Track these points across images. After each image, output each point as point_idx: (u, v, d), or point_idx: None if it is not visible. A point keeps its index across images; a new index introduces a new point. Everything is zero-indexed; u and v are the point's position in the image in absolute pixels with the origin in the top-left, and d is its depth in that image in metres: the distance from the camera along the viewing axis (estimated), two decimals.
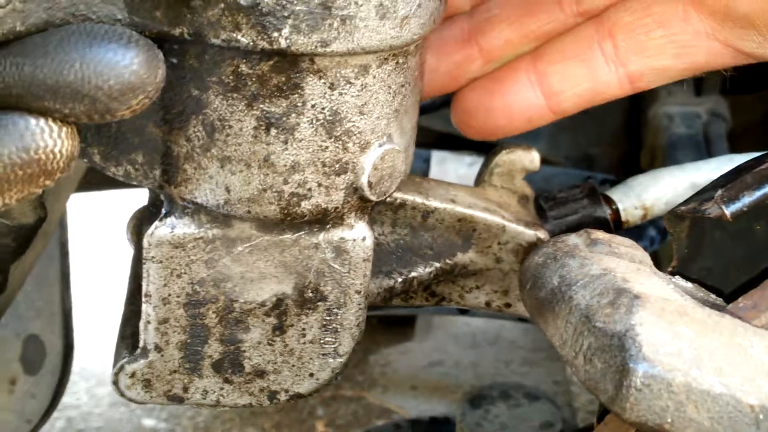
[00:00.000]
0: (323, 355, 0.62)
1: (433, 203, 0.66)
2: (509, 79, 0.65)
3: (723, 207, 0.55)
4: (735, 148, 1.21)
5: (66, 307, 0.94)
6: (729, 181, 0.56)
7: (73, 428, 1.79)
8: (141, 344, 0.60)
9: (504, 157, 0.69)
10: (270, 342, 0.61)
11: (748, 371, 0.48)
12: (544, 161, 1.35)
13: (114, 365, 0.61)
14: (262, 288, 0.60)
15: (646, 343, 0.47)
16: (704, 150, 1.22)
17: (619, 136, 1.35)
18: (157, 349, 0.60)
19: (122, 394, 0.61)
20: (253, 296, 0.60)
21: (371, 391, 1.30)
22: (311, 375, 0.62)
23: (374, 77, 0.54)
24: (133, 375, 0.60)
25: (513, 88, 0.65)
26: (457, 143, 1.20)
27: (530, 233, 0.67)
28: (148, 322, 0.60)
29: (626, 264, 0.55)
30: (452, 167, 1.16)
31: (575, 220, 0.71)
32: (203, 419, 1.87)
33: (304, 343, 0.61)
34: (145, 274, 0.59)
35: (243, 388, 0.62)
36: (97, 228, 3.14)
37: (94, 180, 1.35)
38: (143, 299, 0.59)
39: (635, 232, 0.96)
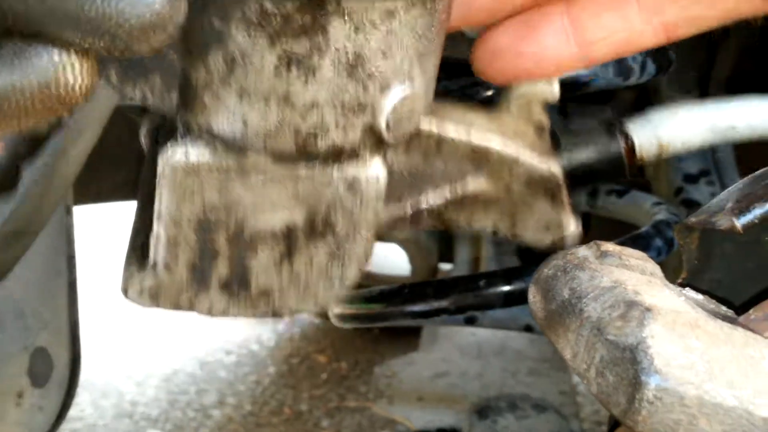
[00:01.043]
0: (329, 280, 0.63)
1: (450, 133, 0.65)
2: (542, 25, 0.65)
3: (734, 219, 0.55)
4: (740, 150, 1.21)
5: (73, 319, 0.94)
6: (739, 194, 0.56)
7: None
8: (151, 260, 0.61)
9: (524, 87, 0.68)
10: (277, 267, 0.62)
11: (760, 384, 0.48)
12: None
13: (124, 273, 0.62)
14: (272, 217, 0.60)
15: (658, 355, 0.47)
16: (710, 159, 1.22)
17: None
18: (167, 267, 0.61)
19: (128, 297, 0.62)
20: (264, 224, 0.60)
21: (377, 402, 1.29)
22: (315, 297, 0.63)
23: (400, 22, 0.54)
24: (141, 287, 0.62)
25: (546, 33, 0.64)
26: None
27: (543, 167, 0.66)
28: (158, 241, 0.60)
29: (637, 276, 0.55)
30: None
31: (590, 156, 0.70)
32: (208, 430, 1.87)
33: (311, 270, 0.62)
34: (157, 195, 0.58)
35: (248, 303, 0.63)
36: (97, 239, 3.15)
37: (99, 192, 1.36)
38: (155, 218, 0.59)
39: (642, 243, 0.96)
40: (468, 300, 0.95)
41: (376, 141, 0.59)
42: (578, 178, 0.71)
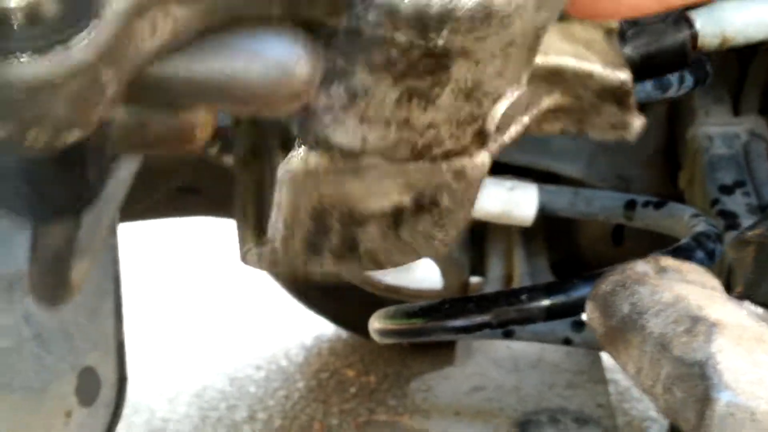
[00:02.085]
0: (430, 240, 0.67)
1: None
2: None
3: None
4: None
5: (119, 339, 0.95)
6: None
7: None
8: (269, 236, 0.65)
9: None
10: (384, 236, 0.66)
11: None
12: (581, 183, 1.35)
13: (240, 247, 0.68)
14: (383, 200, 0.64)
15: (728, 371, 0.47)
16: (745, 170, 1.22)
17: (657, 157, 1.35)
18: (284, 242, 0.65)
19: (249, 267, 0.68)
20: (374, 206, 0.64)
21: (414, 417, 1.29)
22: (416, 254, 0.68)
23: (518, 45, 0.56)
24: (259, 257, 0.67)
25: None
26: (497, 168, 1.20)
27: (614, 78, 0.67)
28: (277, 223, 0.64)
29: (699, 290, 0.55)
30: (493, 192, 1.16)
31: (654, 45, 0.71)
32: None
33: (415, 235, 0.66)
34: (277, 189, 0.62)
35: (356, 264, 0.67)
36: (130, 258, 3.16)
37: (136, 210, 1.37)
38: (274, 208, 0.63)
39: (683, 255, 0.96)
40: (510, 314, 0.95)
41: (484, 139, 0.62)
42: (642, 69, 0.72)
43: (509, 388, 1.29)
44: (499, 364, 1.35)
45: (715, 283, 0.58)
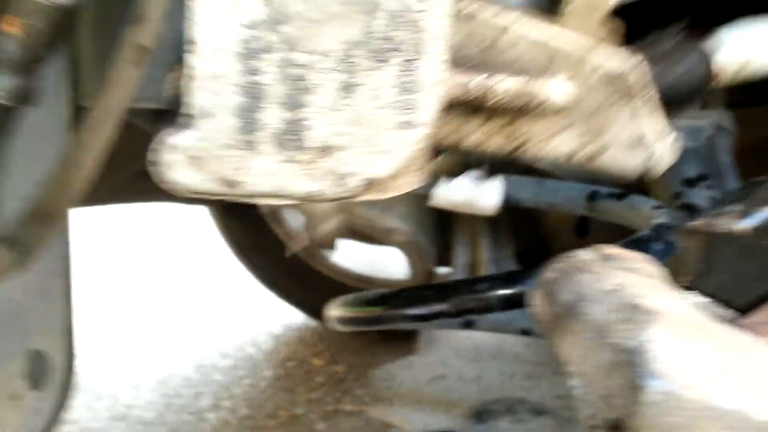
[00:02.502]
0: (400, 124, 0.53)
1: (510, 18, 0.61)
2: None
3: (738, 222, 0.55)
4: (741, 163, 1.20)
5: (68, 322, 0.94)
6: (743, 197, 0.56)
7: None
8: (187, 110, 0.52)
9: None
10: (337, 106, 0.53)
11: (761, 387, 0.48)
12: (548, 175, 1.35)
13: (154, 146, 0.53)
14: (326, 33, 0.52)
15: (660, 358, 0.47)
16: (709, 163, 1.22)
17: None
18: (206, 114, 0.52)
19: (164, 178, 0.52)
20: (317, 44, 0.52)
21: (375, 406, 1.29)
22: (386, 151, 0.54)
23: None
24: (176, 150, 0.52)
25: None
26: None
27: (618, 61, 0.62)
28: (194, 78, 0.52)
29: (640, 279, 0.55)
30: (458, 181, 1.16)
31: (673, 75, 0.68)
32: None
33: (377, 108, 0.53)
34: (189, 14, 0.52)
35: (307, 168, 0.53)
36: (93, 241, 3.14)
37: (96, 195, 1.35)
38: (186, 48, 0.52)
39: (641, 246, 0.96)
40: (468, 303, 0.95)
41: None
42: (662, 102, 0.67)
43: (470, 377, 1.30)
44: (460, 355, 1.36)
45: (658, 271, 0.58)
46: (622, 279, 0.55)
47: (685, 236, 0.59)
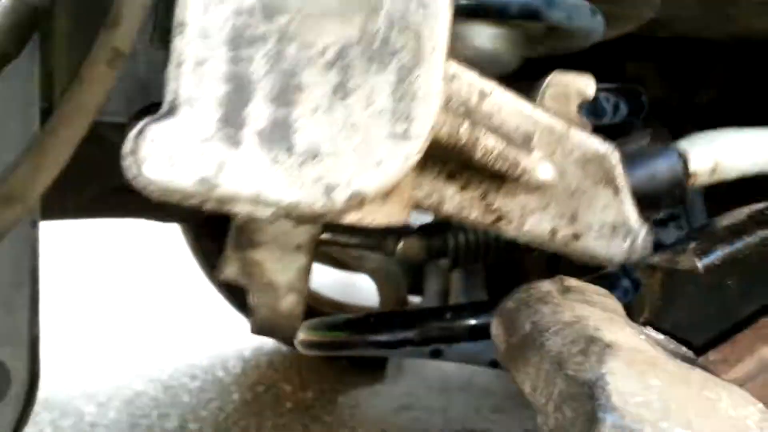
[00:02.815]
0: (393, 135, 0.51)
1: (492, 85, 0.60)
2: None
3: (696, 260, 0.56)
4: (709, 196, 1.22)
5: (33, 334, 0.93)
6: (703, 235, 0.57)
7: None
8: (168, 97, 0.49)
9: (556, 78, 0.65)
10: (329, 109, 0.50)
11: (716, 425, 0.48)
12: None
13: (131, 137, 0.49)
14: (323, 29, 0.50)
15: (616, 392, 0.47)
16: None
17: None
18: (189, 103, 0.49)
19: (138, 172, 0.48)
20: (312, 39, 0.50)
21: None
22: (378, 164, 0.51)
23: None
24: (155, 141, 0.48)
25: None
26: None
27: (600, 145, 0.63)
28: (180, 64, 0.49)
29: (599, 313, 0.55)
30: None
31: (649, 178, 0.67)
32: None
33: (371, 114, 0.51)
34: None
35: (293, 174, 0.50)
36: (65, 256, 3.12)
37: (65, 208, 1.34)
38: (174, 30, 0.49)
39: (608, 283, 0.97)
40: (433, 332, 0.95)
41: None
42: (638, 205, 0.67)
43: (437, 408, 1.29)
44: (428, 385, 1.35)
45: (617, 306, 0.58)
46: (581, 311, 0.55)
47: (646, 273, 0.60)
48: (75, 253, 3.19)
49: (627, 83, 0.99)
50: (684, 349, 0.57)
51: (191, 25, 0.49)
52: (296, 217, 0.51)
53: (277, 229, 0.56)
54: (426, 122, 0.51)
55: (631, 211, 0.65)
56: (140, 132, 0.49)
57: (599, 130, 1.11)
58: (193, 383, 2.23)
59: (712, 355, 0.54)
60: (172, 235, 2.26)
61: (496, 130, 0.61)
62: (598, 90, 0.93)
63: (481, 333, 0.95)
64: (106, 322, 2.61)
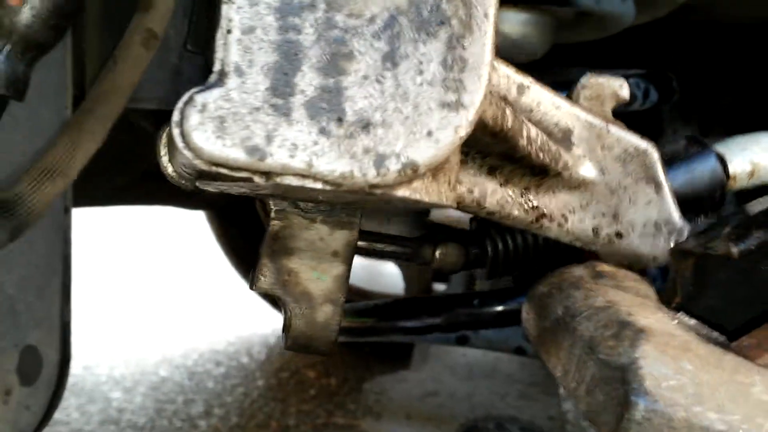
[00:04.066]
0: (444, 105, 0.50)
1: (529, 80, 0.61)
2: None
3: (731, 245, 0.55)
4: None
5: (65, 319, 0.94)
6: (738, 219, 0.57)
7: None
8: (216, 67, 0.49)
9: (591, 80, 0.65)
10: (379, 78, 0.50)
11: (749, 409, 0.48)
12: None
13: (180, 107, 0.48)
14: None
15: (649, 377, 0.47)
16: None
17: None
18: (238, 71, 0.48)
19: (186, 142, 0.47)
20: (361, 7, 0.50)
21: (365, 419, 1.29)
22: (429, 134, 0.50)
23: None
24: (204, 109, 0.47)
25: None
26: None
27: (640, 141, 0.63)
28: (229, 31, 0.48)
29: (631, 297, 0.55)
30: None
31: (691, 182, 0.67)
32: None
33: (421, 83, 0.50)
34: None
35: (343, 145, 0.49)
36: (97, 243, 3.14)
37: (97, 196, 1.36)
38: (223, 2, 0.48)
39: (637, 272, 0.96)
40: (460, 318, 0.95)
41: None
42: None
43: (462, 395, 1.29)
44: (453, 371, 1.36)
45: (649, 291, 0.58)
46: (614, 296, 0.55)
47: (677, 258, 0.59)
48: (102, 241, 3.21)
49: (657, 69, 0.99)
50: (716, 334, 0.57)
51: None
52: (347, 189, 0.49)
53: (314, 235, 0.56)
54: (477, 92, 0.50)
55: (673, 209, 0.64)
56: (188, 101, 0.48)
57: (630, 116, 1.11)
58: (217, 369, 2.25)
59: (746, 340, 0.54)
60: (197, 223, 2.27)
61: (536, 125, 0.61)
62: (628, 76, 0.93)
63: (509, 319, 0.95)
64: (131, 309, 2.64)
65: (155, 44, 0.64)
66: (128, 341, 2.39)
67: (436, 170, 0.52)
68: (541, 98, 0.61)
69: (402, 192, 0.50)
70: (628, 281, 0.58)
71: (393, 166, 0.49)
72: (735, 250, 0.55)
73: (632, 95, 0.97)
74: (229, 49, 0.48)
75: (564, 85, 1.01)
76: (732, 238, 0.56)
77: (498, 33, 0.73)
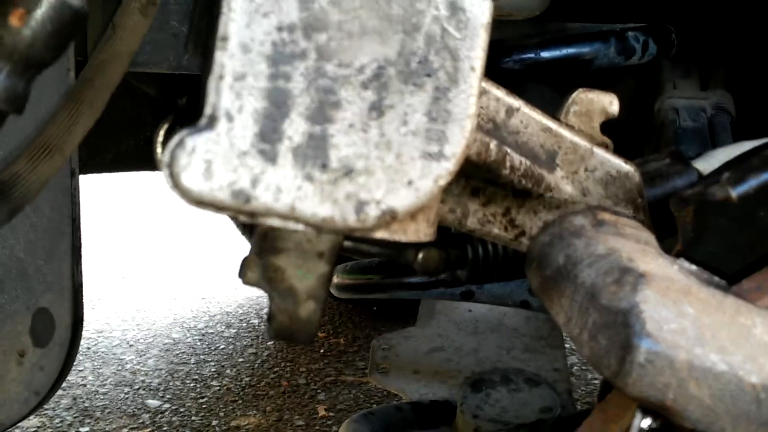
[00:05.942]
0: (426, 154, 0.52)
1: (519, 102, 0.62)
2: None
3: (729, 189, 0.56)
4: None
5: (76, 281, 0.95)
6: (736, 164, 0.57)
7: (78, 407, 1.80)
8: (207, 111, 0.50)
9: (581, 95, 0.66)
10: (364, 127, 0.51)
11: (750, 350, 0.49)
12: None
13: (168, 148, 0.50)
14: (361, 48, 0.51)
15: (650, 320, 0.48)
16: (709, 143, 1.23)
17: (622, 127, 1.35)
18: (228, 117, 0.49)
19: (175, 183, 0.50)
20: (351, 57, 0.51)
21: (372, 375, 1.31)
22: (409, 183, 0.51)
23: None
24: (193, 152, 0.49)
25: None
26: None
27: (623, 164, 0.64)
28: (221, 77, 0.50)
29: (632, 244, 0.56)
30: None
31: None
32: (206, 400, 1.88)
33: (405, 134, 0.51)
34: (224, 9, 0.50)
35: (326, 190, 0.51)
36: (108, 207, 3.16)
37: (103, 162, 1.36)
38: (217, 44, 0.50)
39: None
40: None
41: None
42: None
43: (468, 350, 1.31)
44: (459, 327, 1.37)
45: (650, 238, 0.59)
46: (615, 243, 0.55)
47: (677, 204, 0.60)
48: (113, 206, 3.22)
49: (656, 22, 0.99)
50: (717, 278, 0.58)
51: (233, 40, 0.50)
52: (327, 232, 0.52)
53: (301, 237, 0.57)
54: (459, 143, 0.52)
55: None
56: (179, 143, 0.49)
57: (628, 69, 1.10)
58: (228, 331, 2.27)
59: (746, 284, 0.54)
60: None
61: (521, 147, 0.62)
62: (627, 29, 0.93)
63: (512, 272, 0.96)
64: (141, 272, 2.66)
65: (153, 11, 0.64)
66: (140, 305, 2.41)
67: (415, 212, 0.54)
68: (528, 121, 0.62)
69: (380, 234, 0.53)
70: (629, 229, 0.59)
71: (372, 212, 0.51)
72: (734, 193, 0.56)
73: (631, 48, 0.97)
74: (220, 94, 0.50)
75: (563, 40, 1.01)
76: (731, 182, 0.56)
77: None
